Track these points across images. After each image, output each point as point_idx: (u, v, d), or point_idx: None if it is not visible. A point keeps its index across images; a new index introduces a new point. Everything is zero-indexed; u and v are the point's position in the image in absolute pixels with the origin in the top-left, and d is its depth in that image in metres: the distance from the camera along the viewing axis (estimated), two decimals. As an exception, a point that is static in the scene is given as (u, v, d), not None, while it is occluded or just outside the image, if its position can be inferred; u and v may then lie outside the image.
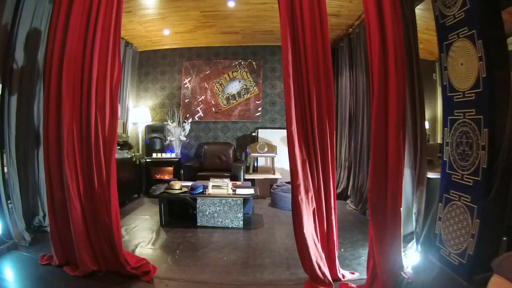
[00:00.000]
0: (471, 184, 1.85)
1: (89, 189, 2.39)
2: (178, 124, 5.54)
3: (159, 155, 5.24)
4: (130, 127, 5.46)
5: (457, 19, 1.90)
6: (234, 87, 5.75)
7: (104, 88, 2.36)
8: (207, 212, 3.55)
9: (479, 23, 1.76)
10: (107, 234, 2.36)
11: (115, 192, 2.38)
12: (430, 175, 2.49)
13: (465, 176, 1.89)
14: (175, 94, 5.85)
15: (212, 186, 3.63)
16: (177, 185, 3.70)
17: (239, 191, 3.68)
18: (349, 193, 4.65)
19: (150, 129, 5.47)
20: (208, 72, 5.78)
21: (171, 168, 5.22)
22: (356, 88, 4.51)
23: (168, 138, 5.44)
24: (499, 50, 1.76)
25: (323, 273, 2.18)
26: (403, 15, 2.33)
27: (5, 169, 2.86)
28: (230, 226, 3.53)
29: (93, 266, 2.36)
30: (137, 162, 4.26)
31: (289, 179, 2.42)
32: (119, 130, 4.49)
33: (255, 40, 5.49)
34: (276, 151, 5.23)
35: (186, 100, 5.80)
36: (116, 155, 2.46)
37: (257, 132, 5.60)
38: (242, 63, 5.73)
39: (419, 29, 2.52)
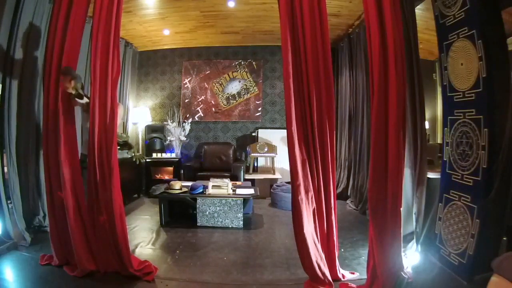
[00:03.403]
0: (471, 184, 1.85)
1: (93, 188, 2.37)
2: (178, 124, 5.54)
3: (159, 155, 5.24)
4: (130, 127, 5.46)
5: (457, 19, 1.90)
6: (234, 87, 5.75)
7: (106, 87, 2.35)
8: (207, 212, 3.55)
9: (479, 23, 1.76)
10: (111, 235, 2.34)
11: (118, 194, 2.31)
12: (430, 175, 2.49)
13: (465, 176, 1.89)
14: (175, 94, 5.85)
15: (212, 186, 3.63)
16: (177, 185, 3.70)
17: (239, 191, 3.68)
18: (349, 193, 4.65)
19: (150, 129, 5.47)
20: (208, 72, 5.77)
21: (171, 168, 5.22)
22: (356, 88, 4.51)
23: (168, 138, 5.43)
24: (499, 50, 1.76)
25: (323, 273, 2.18)
26: (403, 15, 2.33)
27: (5, 169, 2.86)
28: (230, 226, 3.53)
29: (91, 266, 2.36)
30: (137, 162, 4.25)
31: (289, 179, 2.42)
32: (119, 130, 4.48)
33: (255, 40, 5.48)
34: (276, 151, 5.23)
35: (186, 100, 5.80)
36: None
37: (257, 132, 5.60)
38: (242, 63, 5.73)
39: (419, 29, 2.52)
